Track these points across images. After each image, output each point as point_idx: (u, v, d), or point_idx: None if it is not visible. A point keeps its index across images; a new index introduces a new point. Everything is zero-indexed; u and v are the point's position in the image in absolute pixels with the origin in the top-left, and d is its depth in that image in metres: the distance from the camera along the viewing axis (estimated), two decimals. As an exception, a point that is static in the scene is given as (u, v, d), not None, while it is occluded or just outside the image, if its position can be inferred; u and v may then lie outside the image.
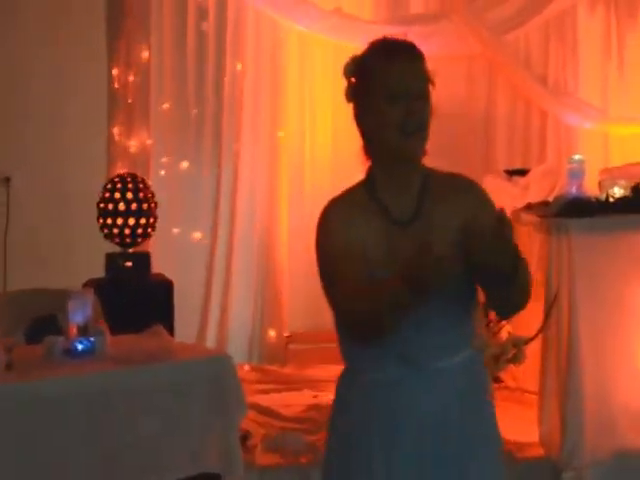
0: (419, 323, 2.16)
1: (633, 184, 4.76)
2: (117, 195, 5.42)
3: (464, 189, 2.30)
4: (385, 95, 2.20)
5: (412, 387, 2.21)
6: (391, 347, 2.19)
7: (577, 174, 4.83)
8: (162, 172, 6.45)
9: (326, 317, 6.23)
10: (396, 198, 2.24)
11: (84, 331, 3.60)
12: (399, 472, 2.21)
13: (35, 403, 3.19)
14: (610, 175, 5.25)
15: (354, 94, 2.29)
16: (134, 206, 5.42)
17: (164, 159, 6.48)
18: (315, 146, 6.74)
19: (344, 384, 2.35)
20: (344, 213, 2.25)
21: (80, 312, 3.61)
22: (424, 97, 2.23)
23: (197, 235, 6.53)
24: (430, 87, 2.25)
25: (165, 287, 5.38)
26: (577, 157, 5.09)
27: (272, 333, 6.53)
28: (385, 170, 2.26)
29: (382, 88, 2.20)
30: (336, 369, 6.12)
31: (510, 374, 4.63)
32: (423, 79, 2.23)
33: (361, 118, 2.28)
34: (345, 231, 2.21)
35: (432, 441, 2.20)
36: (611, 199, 4.65)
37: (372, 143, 2.27)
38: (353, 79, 2.29)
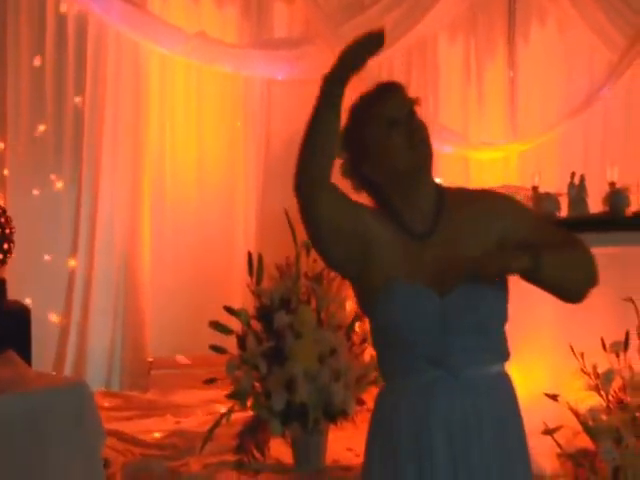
0: (446, 324, 2.18)
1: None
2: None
3: (478, 197, 2.34)
4: (385, 123, 2.23)
5: (443, 392, 2.19)
6: (420, 350, 2.19)
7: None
8: (21, 198, 6.28)
9: (189, 341, 6.17)
10: (412, 214, 2.26)
11: None
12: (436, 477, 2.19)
13: None
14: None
15: (347, 148, 2.29)
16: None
17: (21, 184, 6.32)
18: (177, 167, 6.69)
19: (379, 396, 2.33)
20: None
21: None
22: (416, 117, 2.26)
23: (56, 259, 6.37)
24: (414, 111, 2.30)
25: (21, 314, 5.24)
26: (436, 180, 5.18)
27: (134, 359, 6.43)
28: (397, 192, 2.27)
29: (379, 119, 2.24)
30: (199, 394, 6.07)
31: (371, 396, 4.65)
32: (411, 103, 2.26)
33: (358, 169, 2.29)
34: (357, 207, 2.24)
35: (464, 450, 2.19)
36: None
37: (377, 183, 2.29)
38: (346, 150, 2.30)
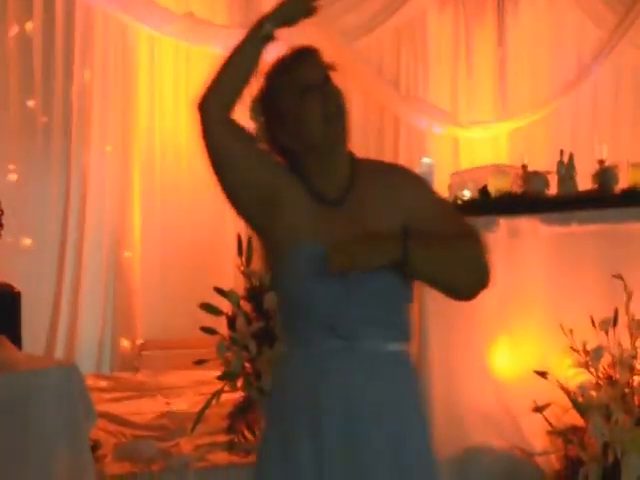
0: (349, 293, 2.12)
1: (481, 187, 4.86)
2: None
3: (390, 170, 2.30)
4: (297, 91, 2.19)
5: (343, 363, 2.15)
6: (320, 317, 2.15)
7: (426, 177, 4.90)
8: (9, 180, 6.26)
9: (180, 323, 6.15)
10: (325, 181, 2.22)
11: None
12: (329, 453, 2.12)
13: None
14: (460, 178, 5.35)
15: (261, 114, 2.26)
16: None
17: (11, 167, 6.30)
18: (167, 149, 6.68)
19: (278, 363, 2.30)
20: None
21: None
22: (332, 82, 2.23)
23: (46, 242, 6.36)
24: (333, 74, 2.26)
25: (11, 297, 5.24)
26: (426, 160, 5.19)
27: (124, 341, 6.43)
28: (311, 161, 2.23)
29: (292, 86, 2.20)
30: (190, 375, 6.06)
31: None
32: (326, 68, 2.23)
33: (276, 137, 2.24)
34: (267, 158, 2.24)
35: (364, 421, 2.13)
36: (459, 202, 4.74)
37: (294, 151, 2.24)
38: (262, 115, 2.26)
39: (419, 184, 2.29)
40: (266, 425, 2.28)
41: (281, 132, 2.23)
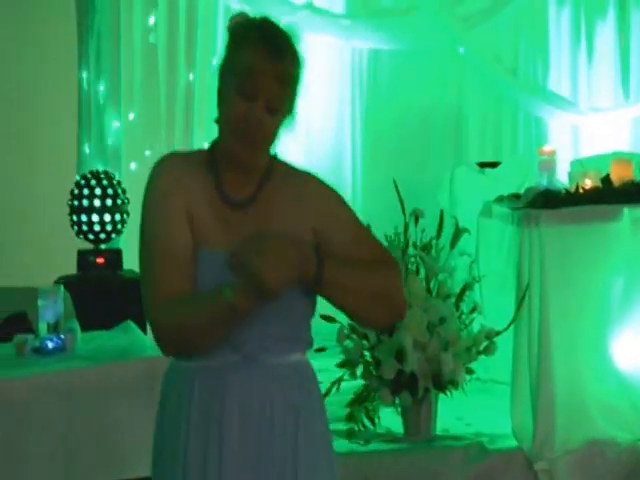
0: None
1: (603, 175, 4.78)
2: (88, 192, 5.41)
3: (305, 179, 2.15)
4: (236, 88, 2.01)
5: (239, 377, 2.05)
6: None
7: (548, 166, 4.85)
8: (133, 168, 6.40)
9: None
10: (235, 180, 2.08)
11: (55, 329, 3.59)
12: (218, 470, 2.03)
13: (4, 403, 3.17)
14: (580, 166, 5.27)
15: (225, 55, 2.09)
16: (105, 202, 5.41)
17: (135, 155, 6.44)
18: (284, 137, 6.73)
19: (171, 372, 2.15)
20: (182, 173, 2.08)
21: (51, 310, 3.60)
22: (279, 108, 2.03)
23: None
24: (295, 91, 2.06)
25: (137, 283, 5.34)
26: (548, 149, 5.12)
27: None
28: (228, 151, 2.07)
29: (235, 78, 2.01)
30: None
31: (482, 365, 4.64)
32: (286, 84, 2.02)
33: (218, 96, 2.08)
34: (178, 196, 2.05)
35: (257, 439, 2.04)
36: (581, 190, 4.67)
37: (220, 119, 2.08)
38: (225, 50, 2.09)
39: (333, 199, 2.14)
40: (157, 438, 2.16)
41: (219, 105, 2.06)
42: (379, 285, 2.07)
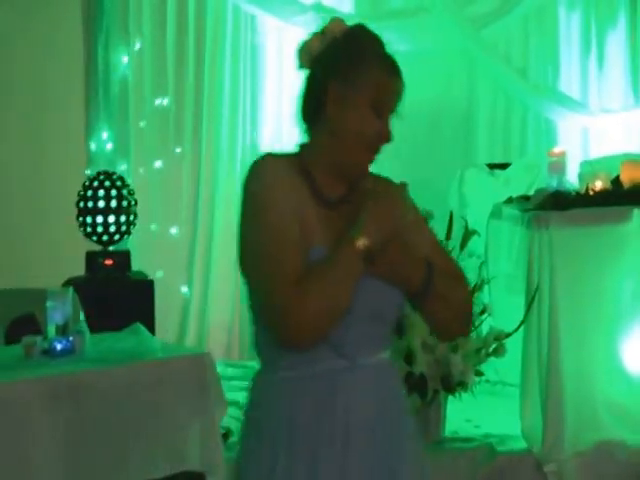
0: (349, 309, 1.99)
1: (613, 176, 4.77)
2: (96, 193, 5.41)
3: (389, 183, 2.17)
4: (372, 105, 2.08)
5: (347, 385, 2.04)
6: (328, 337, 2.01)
7: (558, 167, 4.84)
8: (141, 170, 6.41)
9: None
10: (327, 182, 2.11)
11: (63, 330, 3.58)
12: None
13: (12, 403, 3.17)
14: (590, 168, 5.26)
15: (334, 74, 2.09)
16: (114, 204, 5.41)
17: (142, 157, 6.44)
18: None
19: (259, 386, 2.12)
20: (284, 172, 2.09)
21: (59, 311, 3.59)
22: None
23: (176, 231, 6.48)
24: None
25: (145, 285, 5.36)
26: (558, 150, 5.10)
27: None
28: (346, 160, 2.10)
29: (364, 91, 2.07)
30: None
31: (491, 367, 4.63)
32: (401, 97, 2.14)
33: (335, 104, 2.07)
34: (286, 193, 2.06)
35: (361, 445, 2.04)
36: (591, 192, 4.65)
37: (332, 134, 2.09)
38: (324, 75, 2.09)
39: (415, 206, 2.19)
40: (250, 447, 2.11)
41: (329, 122, 2.08)
42: (463, 297, 2.13)
